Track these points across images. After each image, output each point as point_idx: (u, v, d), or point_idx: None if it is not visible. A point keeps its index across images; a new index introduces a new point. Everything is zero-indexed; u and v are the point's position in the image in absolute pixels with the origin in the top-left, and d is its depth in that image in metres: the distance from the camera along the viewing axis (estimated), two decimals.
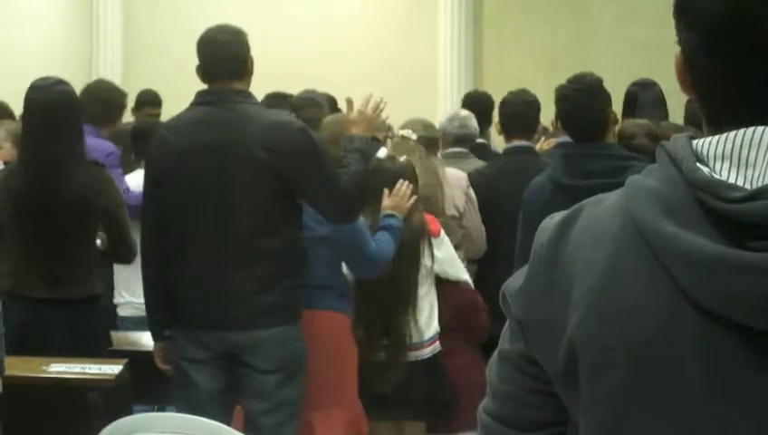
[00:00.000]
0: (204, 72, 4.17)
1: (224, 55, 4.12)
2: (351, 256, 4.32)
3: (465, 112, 6.23)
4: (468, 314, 4.72)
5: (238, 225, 4.02)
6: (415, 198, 4.50)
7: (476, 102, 6.79)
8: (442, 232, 4.76)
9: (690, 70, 1.28)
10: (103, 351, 4.51)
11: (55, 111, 4.42)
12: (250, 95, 4.18)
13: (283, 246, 4.06)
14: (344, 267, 4.44)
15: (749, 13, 1.20)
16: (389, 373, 4.48)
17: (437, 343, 4.57)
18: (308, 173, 4.03)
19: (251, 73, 4.20)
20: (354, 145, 4.18)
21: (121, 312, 5.61)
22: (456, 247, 5.13)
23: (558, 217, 1.35)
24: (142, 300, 4.40)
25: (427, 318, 4.55)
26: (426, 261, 4.57)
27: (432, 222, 4.67)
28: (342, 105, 5.20)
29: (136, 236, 4.48)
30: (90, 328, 4.50)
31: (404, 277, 4.48)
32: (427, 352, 4.55)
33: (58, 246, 4.49)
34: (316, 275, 4.26)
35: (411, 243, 4.50)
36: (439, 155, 5.64)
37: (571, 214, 1.33)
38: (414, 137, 5.15)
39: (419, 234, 4.55)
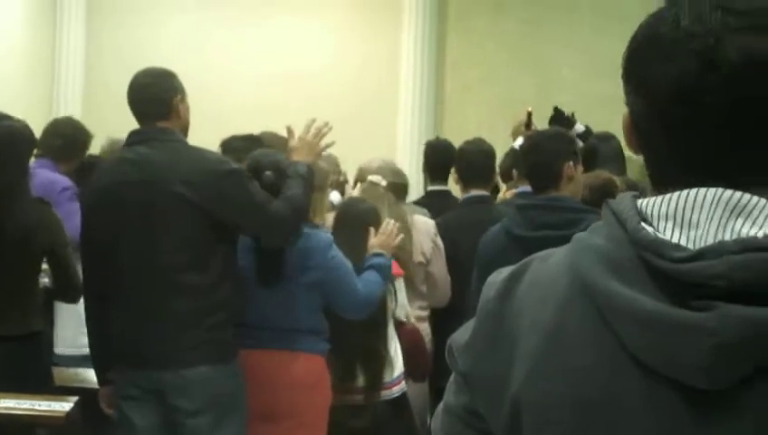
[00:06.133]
0: (133, 114, 4.27)
1: (146, 97, 4.21)
2: (341, 300, 4.30)
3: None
4: (413, 353, 4.74)
5: (162, 260, 4.03)
6: (402, 236, 4.53)
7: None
8: (401, 276, 4.79)
9: (636, 131, 1.31)
10: (43, 390, 4.37)
11: None
12: (174, 133, 4.21)
13: (210, 281, 4.05)
14: None
15: (695, 86, 1.22)
16: (361, 414, 4.48)
17: (403, 382, 4.59)
18: (231, 203, 4.06)
19: (177, 112, 4.24)
20: (298, 172, 4.22)
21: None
22: (423, 295, 5.16)
23: (505, 272, 1.36)
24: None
25: (393, 358, 4.56)
26: (390, 303, 4.59)
27: (393, 265, 4.69)
28: None
29: None
30: (27, 366, 4.40)
31: (380, 319, 4.50)
32: (395, 391, 4.56)
33: None
34: (302, 320, 4.26)
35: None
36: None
37: (517, 269, 1.34)
38: (383, 183, 5.14)
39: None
